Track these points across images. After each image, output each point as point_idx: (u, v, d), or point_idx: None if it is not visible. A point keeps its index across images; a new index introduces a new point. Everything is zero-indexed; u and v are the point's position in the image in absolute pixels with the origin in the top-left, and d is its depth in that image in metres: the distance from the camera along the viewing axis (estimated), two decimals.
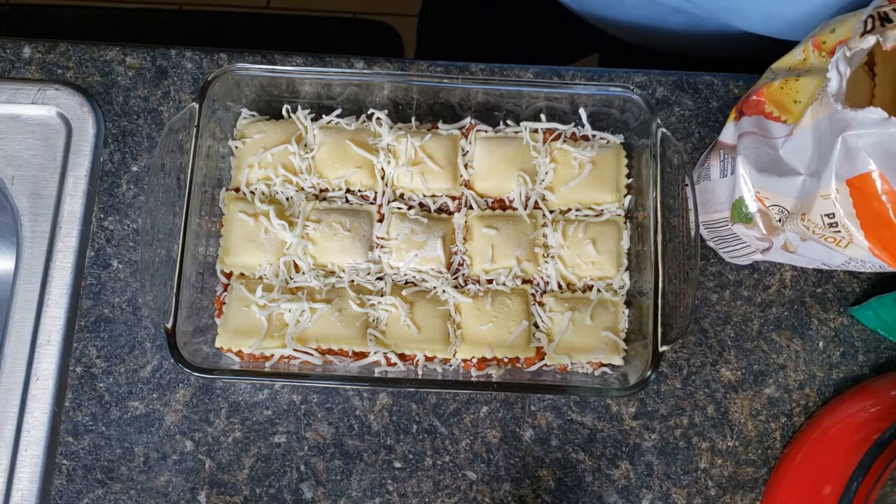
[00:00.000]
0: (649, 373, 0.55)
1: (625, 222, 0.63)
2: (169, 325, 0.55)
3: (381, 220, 0.63)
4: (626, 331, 0.61)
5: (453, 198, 0.64)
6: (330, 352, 0.60)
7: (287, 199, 0.64)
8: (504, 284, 0.62)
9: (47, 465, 0.62)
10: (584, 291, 0.63)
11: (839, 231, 0.49)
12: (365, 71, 0.68)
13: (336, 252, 0.62)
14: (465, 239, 0.63)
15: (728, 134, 0.60)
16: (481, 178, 0.64)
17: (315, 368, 0.59)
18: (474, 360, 0.61)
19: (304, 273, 0.62)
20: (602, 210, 0.64)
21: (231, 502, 0.62)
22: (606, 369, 0.61)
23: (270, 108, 0.65)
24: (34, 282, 0.64)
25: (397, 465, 0.63)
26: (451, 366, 0.61)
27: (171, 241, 0.58)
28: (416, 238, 0.62)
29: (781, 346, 0.65)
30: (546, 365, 0.61)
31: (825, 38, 0.54)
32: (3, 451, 0.61)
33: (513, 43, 0.90)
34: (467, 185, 0.65)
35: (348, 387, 0.63)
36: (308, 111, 0.65)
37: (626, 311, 0.62)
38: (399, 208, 0.63)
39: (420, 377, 0.59)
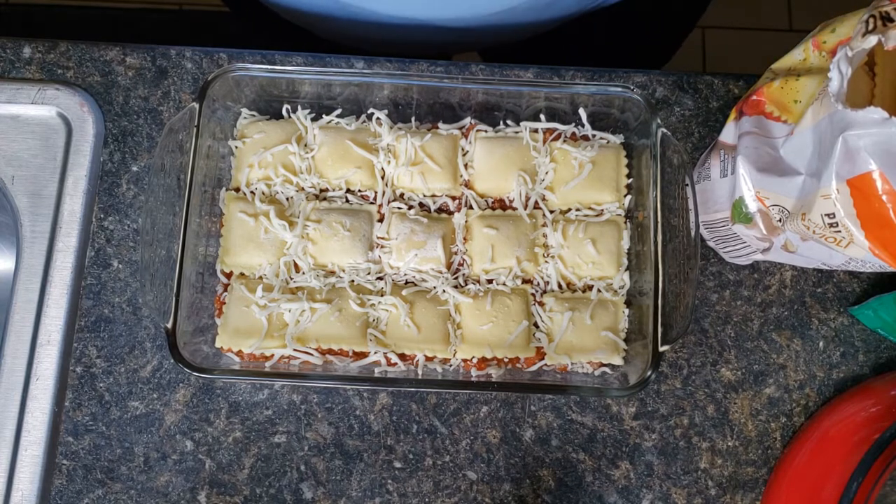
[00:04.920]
0: (649, 373, 0.55)
1: (625, 222, 0.63)
2: (169, 325, 0.55)
3: (381, 220, 0.63)
4: (626, 331, 0.61)
5: (453, 198, 0.64)
6: (330, 352, 0.60)
7: (287, 199, 0.64)
8: (504, 284, 0.62)
9: (47, 465, 0.62)
10: (584, 291, 0.63)
11: (839, 231, 0.49)
12: (365, 71, 0.68)
13: (336, 252, 0.62)
14: (465, 239, 0.63)
15: (728, 134, 0.60)
16: (481, 178, 0.64)
17: (315, 368, 0.59)
18: (474, 360, 0.61)
19: (304, 273, 0.62)
20: (602, 210, 0.64)
21: (231, 502, 0.62)
22: (606, 369, 0.61)
23: (270, 108, 0.65)
24: (34, 282, 0.64)
25: (397, 465, 0.63)
26: (451, 366, 0.61)
27: (171, 241, 0.58)
28: (416, 238, 0.61)
29: (781, 346, 0.65)
30: (546, 365, 0.61)
31: (825, 38, 0.54)
32: (3, 451, 0.61)
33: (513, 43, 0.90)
34: (467, 185, 0.65)
35: (348, 387, 0.63)
36: (308, 111, 0.65)
37: (626, 311, 0.62)
38: (399, 208, 0.63)
39: (420, 377, 0.59)
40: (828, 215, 0.48)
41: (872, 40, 0.45)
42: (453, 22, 0.74)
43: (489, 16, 0.72)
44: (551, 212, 0.64)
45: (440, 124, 0.65)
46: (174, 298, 0.56)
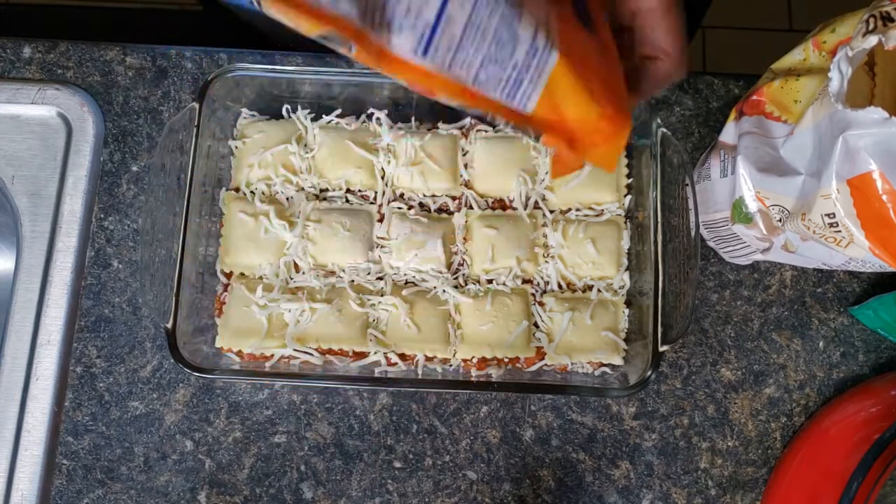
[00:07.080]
0: (649, 373, 0.55)
1: (625, 222, 0.63)
2: (169, 325, 0.55)
3: (381, 220, 0.63)
4: (626, 331, 0.61)
5: (453, 198, 0.64)
6: (330, 352, 0.60)
7: (287, 198, 0.64)
8: (504, 284, 0.62)
9: (47, 465, 0.62)
10: (584, 291, 0.63)
11: (839, 231, 0.49)
12: (365, 71, 0.68)
13: (336, 252, 0.62)
14: (465, 239, 0.63)
15: (728, 134, 0.60)
16: (481, 178, 0.64)
17: (315, 368, 0.59)
18: (474, 360, 0.61)
19: (304, 273, 0.62)
20: (602, 210, 0.64)
21: (231, 502, 0.62)
22: (606, 369, 0.61)
23: (270, 108, 0.65)
24: (34, 282, 0.64)
25: (397, 464, 0.63)
26: (451, 366, 0.61)
27: (171, 241, 0.58)
28: (416, 238, 0.61)
29: (781, 345, 0.65)
30: (546, 365, 0.61)
31: (825, 38, 0.54)
32: (3, 451, 0.61)
33: None
34: (467, 184, 0.65)
35: (348, 387, 0.63)
36: (308, 111, 0.65)
37: (626, 311, 0.62)
38: (399, 208, 0.63)
39: (420, 377, 0.59)
40: (828, 215, 0.48)
41: (872, 40, 0.45)
42: None
43: None
44: (551, 212, 0.64)
45: (440, 124, 0.65)
46: (174, 298, 0.56)
